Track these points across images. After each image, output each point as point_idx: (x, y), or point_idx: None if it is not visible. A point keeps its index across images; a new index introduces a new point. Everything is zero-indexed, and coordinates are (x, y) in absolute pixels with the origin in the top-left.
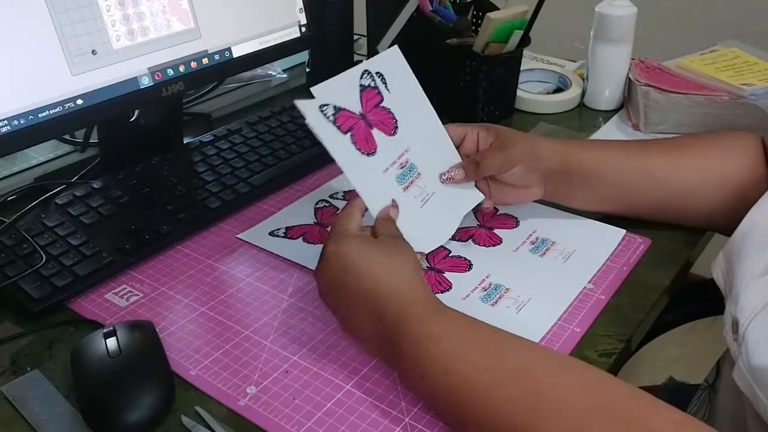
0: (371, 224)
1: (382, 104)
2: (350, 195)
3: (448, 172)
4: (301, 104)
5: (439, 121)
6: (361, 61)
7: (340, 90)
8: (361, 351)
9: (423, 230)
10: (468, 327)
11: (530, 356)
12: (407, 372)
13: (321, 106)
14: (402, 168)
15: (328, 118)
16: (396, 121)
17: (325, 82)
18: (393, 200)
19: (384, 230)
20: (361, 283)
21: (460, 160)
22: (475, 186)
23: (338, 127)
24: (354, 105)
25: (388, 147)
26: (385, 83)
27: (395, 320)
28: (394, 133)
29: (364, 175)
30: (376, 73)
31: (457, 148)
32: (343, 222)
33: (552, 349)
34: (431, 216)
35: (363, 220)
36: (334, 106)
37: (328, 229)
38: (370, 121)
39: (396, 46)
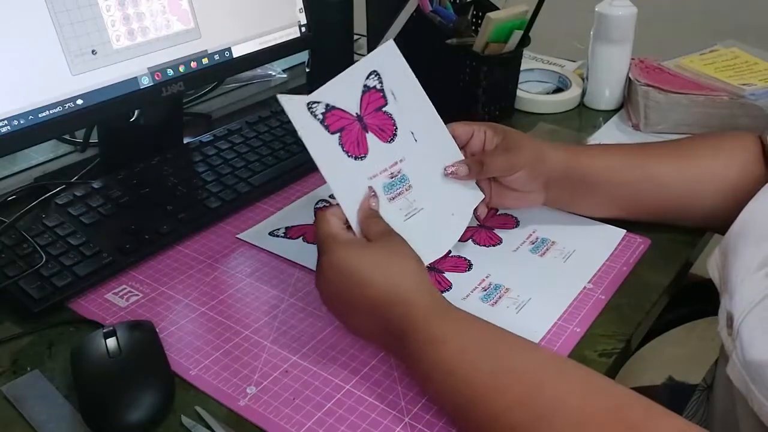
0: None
1: (384, 108)
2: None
3: (451, 166)
4: (284, 99)
5: (441, 120)
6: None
7: (340, 89)
8: (361, 351)
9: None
10: (472, 328)
11: (534, 359)
12: (414, 373)
13: (310, 104)
14: (392, 177)
15: (315, 116)
16: (396, 128)
17: (325, 85)
18: (369, 187)
19: (374, 228)
20: (364, 291)
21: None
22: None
23: (326, 127)
24: (352, 106)
25: (380, 154)
26: (381, 81)
27: (400, 324)
28: (391, 141)
29: (346, 180)
30: (374, 71)
31: (464, 146)
32: (324, 228)
33: (556, 353)
34: (413, 231)
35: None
36: (327, 105)
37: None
38: (367, 124)
39: (391, 41)
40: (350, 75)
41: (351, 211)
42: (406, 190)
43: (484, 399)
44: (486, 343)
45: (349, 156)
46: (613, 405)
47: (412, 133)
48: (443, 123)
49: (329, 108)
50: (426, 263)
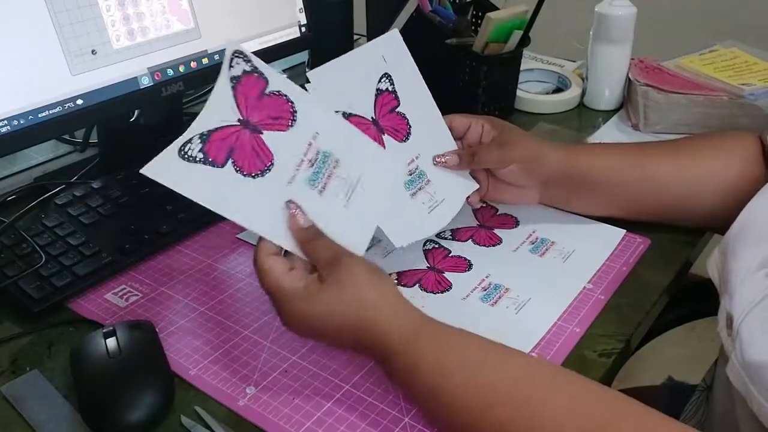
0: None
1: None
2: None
3: (442, 156)
4: (149, 170)
5: (438, 110)
6: None
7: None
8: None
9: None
10: (453, 345)
11: (522, 373)
12: (402, 394)
13: (182, 149)
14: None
15: (195, 159)
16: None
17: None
18: (286, 203)
19: (321, 254)
20: (334, 335)
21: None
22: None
23: (211, 162)
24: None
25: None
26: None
27: (379, 355)
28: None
29: (257, 205)
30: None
31: (461, 138)
32: (266, 279)
33: (548, 362)
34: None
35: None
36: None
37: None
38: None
39: (396, 29)
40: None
41: (281, 239)
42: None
43: (470, 419)
44: (469, 360)
45: (246, 176)
46: (604, 419)
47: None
48: (440, 114)
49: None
50: (396, 246)
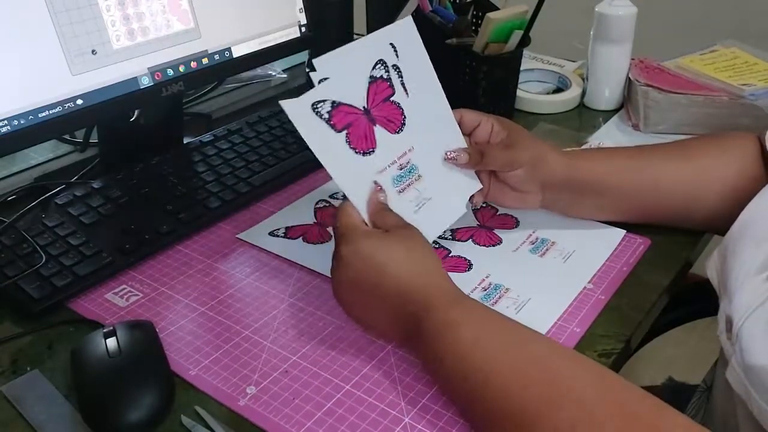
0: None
1: (392, 98)
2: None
3: (453, 152)
4: (286, 104)
5: (448, 104)
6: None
7: (345, 80)
8: (360, 351)
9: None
10: (488, 315)
11: (548, 348)
12: (426, 357)
13: (315, 104)
14: (401, 169)
15: (321, 116)
16: (404, 117)
17: (329, 55)
18: (374, 182)
19: (388, 221)
20: (386, 279)
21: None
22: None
23: (332, 126)
24: (358, 99)
25: (389, 146)
26: (397, 55)
27: (417, 310)
28: (399, 131)
29: (354, 177)
30: (390, 44)
31: (469, 134)
32: (346, 219)
33: (568, 347)
34: (423, 223)
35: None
36: (333, 102)
37: (330, 229)
38: (375, 117)
39: (410, 17)
40: (354, 60)
41: (361, 206)
42: (416, 180)
43: (499, 379)
44: (502, 329)
45: (357, 153)
46: (625, 397)
47: (421, 116)
48: (450, 108)
49: (335, 105)
50: (440, 231)
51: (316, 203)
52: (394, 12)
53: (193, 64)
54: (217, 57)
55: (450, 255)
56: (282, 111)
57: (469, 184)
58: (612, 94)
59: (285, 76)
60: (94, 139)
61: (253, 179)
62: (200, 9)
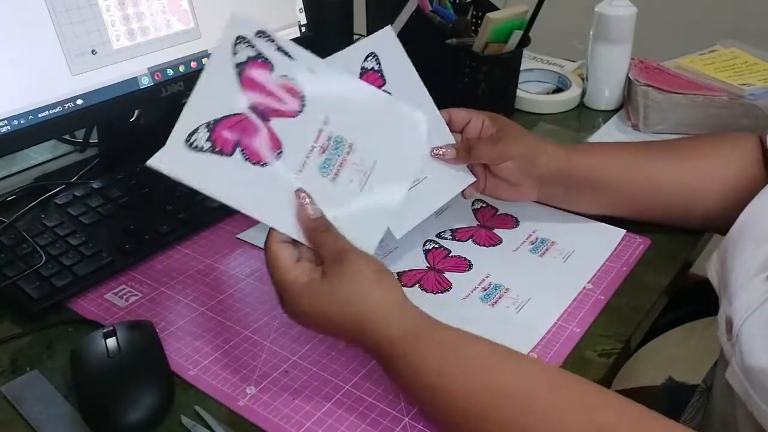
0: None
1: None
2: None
3: (440, 148)
4: (159, 161)
5: (435, 106)
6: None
7: (212, 95)
8: (360, 351)
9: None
10: (453, 347)
11: (521, 374)
12: (396, 384)
13: (188, 138)
14: (324, 150)
15: (201, 148)
16: (303, 97)
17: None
18: (296, 192)
19: (328, 247)
20: (335, 334)
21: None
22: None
23: (219, 152)
24: (234, 104)
25: (296, 133)
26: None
27: (378, 354)
28: (301, 111)
29: (274, 199)
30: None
31: (460, 131)
32: (278, 276)
33: (548, 364)
34: (376, 196)
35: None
36: (207, 124)
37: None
38: (262, 111)
39: (389, 27)
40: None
41: (293, 232)
42: (347, 152)
43: (472, 421)
44: (469, 361)
45: (262, 165)
46: (604, 422)
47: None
48: (437, 109)
49: (211, 126)
50: (397, 237)
51: None
52: (395, 12)
53: (193, 64)
54: None
55: (450, 255)
56: None
57: (462, 178)
58: (612, 94)
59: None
60: (94, 139)
61: None
62: (200, 9)
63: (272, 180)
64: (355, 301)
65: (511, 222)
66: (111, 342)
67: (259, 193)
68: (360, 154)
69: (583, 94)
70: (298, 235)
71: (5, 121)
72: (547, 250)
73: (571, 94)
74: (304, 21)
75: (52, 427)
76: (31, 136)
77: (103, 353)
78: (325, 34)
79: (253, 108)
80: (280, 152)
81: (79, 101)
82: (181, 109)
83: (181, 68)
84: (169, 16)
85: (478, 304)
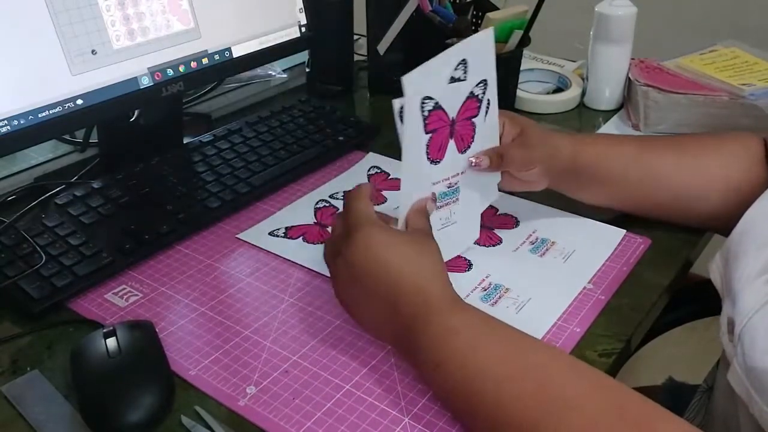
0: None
1: (473, 119)
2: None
3: (476, 157)
4: (407, 80)
5: (497, 123)
6: (364, 60)
7: (448, 90)
8: (360, 351)
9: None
10: (486, 323)
11: (546, 356)
12: (422, 362)
13: (425, 98)
14: (449, 188)
15: (423, 111)
16: (472, 140)
17: (420, 71)
18: (432, 193)
19: (417, 223)
20: (388, 276)
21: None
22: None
23: (425, 125)
24: (452, 110)
25: (451, 162)
26: (484, 92)
27: (414, 312)
28: (464, 152)
29: (416, 175)
30: (462, 60)
31: None
32: (362, 208)
33: (564, 351)
34: (441, 241)
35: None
36: (435, 103)
37: (329, 228)
38: (455, 130)
39: (491, 29)
40: (440, 71)
41: (407, 200)
42: (453, 202)
43: (494, 388)
44: (498, 337)
45: (428, 158)
46: (622, 403)
47: (482, 140)
48: (498, 124)
49: (436, 107)
50: (460, 251)
51: (316, 203)
52: (395, 12)
53: (193, 64)
54: (217, 57)
55: None
56: (282, 111)
57: (489, 194)
58: (612, 94)
59: (285, 76)
60: (94, 139)
61: (253, 179)
62: (200, 9)
63: (422, 169)
64: (424, 257)
65: (511, 222)
66: (111, 342)
67: (414, 163)
68: (457, 209)
69: (584, 94)
70: (407, 203)
71: (5, 121)
72: (547, 250)
73: (571, 94)
74: (304, 21)
75: (52, 427)
76: (31, 136)
77: (103, 353)
78: (325, 34)
79: (454, 123)
80: (439, 161)
81: (79, 101)
82: (182, 110)
83: (181, 68)
84: (169, 16)
85: (478, 304)
